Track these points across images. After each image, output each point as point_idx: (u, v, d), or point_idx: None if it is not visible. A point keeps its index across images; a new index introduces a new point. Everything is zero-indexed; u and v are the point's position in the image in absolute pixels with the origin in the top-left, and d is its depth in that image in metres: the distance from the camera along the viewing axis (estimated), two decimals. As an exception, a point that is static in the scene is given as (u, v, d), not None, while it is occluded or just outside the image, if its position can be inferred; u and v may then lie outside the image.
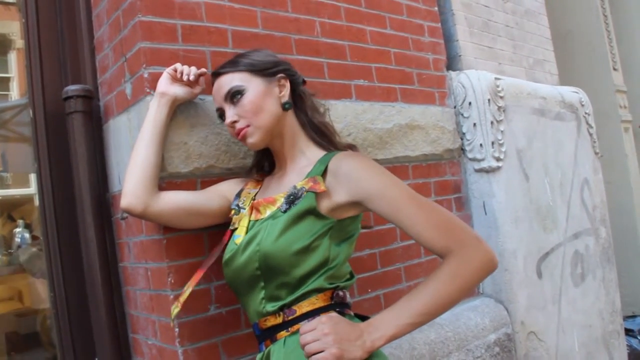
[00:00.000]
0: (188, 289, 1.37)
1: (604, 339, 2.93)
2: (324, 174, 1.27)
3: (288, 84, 1.38)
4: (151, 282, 1.57)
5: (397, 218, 1.19)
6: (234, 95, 1.32)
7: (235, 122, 1.33)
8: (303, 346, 1.12)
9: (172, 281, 1.47)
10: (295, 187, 1.27)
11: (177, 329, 1.46)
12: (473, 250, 1.15)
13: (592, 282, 2.92)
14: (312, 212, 1.23)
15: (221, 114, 1.39)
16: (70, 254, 1.81)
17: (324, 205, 1.24)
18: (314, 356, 1.10)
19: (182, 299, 1.36)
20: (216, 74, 1.39)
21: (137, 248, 1.64)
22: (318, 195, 1.24)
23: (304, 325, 1.16)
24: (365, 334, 1.12)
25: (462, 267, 1.13)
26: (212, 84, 1.41)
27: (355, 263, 1.86)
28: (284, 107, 1.36)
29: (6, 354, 3.49)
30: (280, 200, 1.28)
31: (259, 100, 1.32)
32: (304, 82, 1.46)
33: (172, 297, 1.46)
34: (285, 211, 1.24)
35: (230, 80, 1.34)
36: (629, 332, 3.50)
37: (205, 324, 1.51)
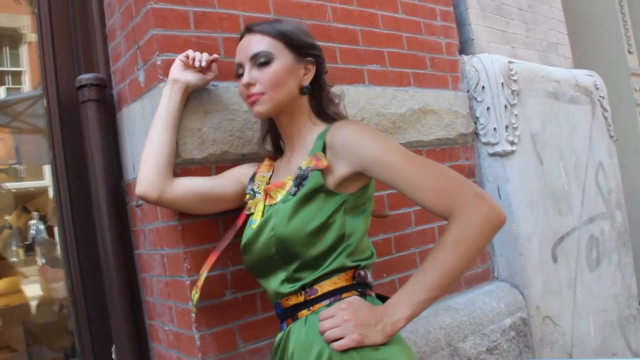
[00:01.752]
0: (204, 273, 1.38)
1: (620, 324, 2.92)
2: (324, 149, 1.25)
3: (313, 70, 1.35)
4: (167, 268, 1.58)
5: (396, 183, 1.16)
6: (260, 59, 1.29)
7: (251, 85, 1.30)
8: (322, 333, 1.12)
9: (189, 267, 1.48)
10: (300, 168, 1.26)
11: (193, 314, 1.47)
12: (473, 211, 1.09)
13: (607, 267, 2.90)
14: (321, 190, 1.21)
15: (239, 69, 1.34)
16: (86, 242, 1.83)
17: (331, 181, 1.22)
18: (334, 343, 1.10)
19: (200, 283, 1.37)
20: (249, 30, 1.33)
21: (153, 235, 1.65)
22: (323, 171, 1.22)
23: (323, 312, 1.16)
24: (385, 317, 1.11)
25: (463, 231, 1.09)
26: (240, 38, 1.36)
27: (369, 248, 1.86)
28: (302, 91, 1.33)
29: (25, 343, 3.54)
30: (289, 183, 1.27)
31: (282, 74, 1.29)
32: (326, 72, 1.42)
33: (188, 282, 1.47)
34: (294, 194, 1.23)
35: (261, 42, 1.29)
36: (645, 316, 3.47)
37: (221, 309, 1.52)
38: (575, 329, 2.56)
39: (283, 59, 1.29)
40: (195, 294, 1.38)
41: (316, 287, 1.22)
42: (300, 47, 1.32)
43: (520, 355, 2.21)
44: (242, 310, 1.55)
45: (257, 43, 1.30)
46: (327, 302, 1.21)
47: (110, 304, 1.78)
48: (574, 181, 2.76)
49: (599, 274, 2.82)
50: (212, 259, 1.40)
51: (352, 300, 1.17)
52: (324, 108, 1.38)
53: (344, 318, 1.11)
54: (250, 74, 1.30)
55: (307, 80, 1.34)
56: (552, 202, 2.57)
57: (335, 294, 1.21)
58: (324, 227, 1.20)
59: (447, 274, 1.10)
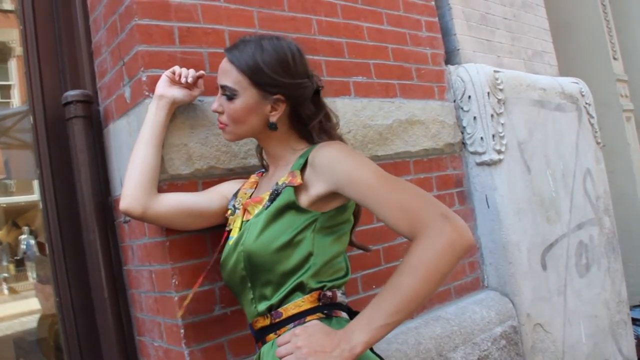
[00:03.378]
0: (192, 292, 1.40)
1: (611, 329, 2.93)
2: (304, 167, 1.25)
3: (283, 107, 1.30)
4: (155, 284, 1.58)
5: (366, 203, 1.14)
6: (226, 92, 1.29)
7: (218, 112, 1.33)
8: (280, 359, 1.10)
9: (177, 283, 1.47)
10: (277, 183, 1.26)
11: (182, 330, 1.47)
12: (436, 232, 1.04)
13: (597, 273, 2.92)
14: (292, 207, 1.21)
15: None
16: (75, 259, 1.82)
17: (304, 199, 1.22)
18: None
19: (185, 303, 1.40)
20: (227, 52, 1.31)
21: (141, 251, 1.65)
22: (297, 188, 1.22)
23: (280, 338, 1.14)
24: (343, 342, 1.06)
25: (424, 253, 1.04)
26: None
27: (359, 259, 1.86)
28: (269, 127, 1.31)
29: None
30: (266, 199, 1.27)
31: (242, 113, 1.28)
32: (320, 89, 1.36)
33: (176, 298, 1.47)
34: (267, 208, 1.23)
35: (228, 75, 1.28)
36: (636, 321, 3.48)
37: (210, 324, 1.52)
38: (567, 336, 2.57)
39: (246, 96, 1.27)
40: (179, 313, 1.41)
41: (281, 310, 1.21)
42: (267, 84, 1.27)
43: (512, 364, 2.21)
44: (231, 325, 1.55)
45: (226, 75, 1.29)
46: (291, 325, 1.19)
47: (100, 321, 1.77)
48: (562, 188, 2.77)
49: (588, 280, 2.83)
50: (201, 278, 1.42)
51: (308, 325, 1.14)
52: (314, 139, 1.33)
53: (297, 344, 1.07)
54: (219, 101, 1.32)
55: (274, 117, 1.29)
56: (541, 209, 2.58)
57: (299, 317, 1.20)
58: (291, 244, 1.19)
59: (407, 298, 1.04)
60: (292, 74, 1.29)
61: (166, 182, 1.50)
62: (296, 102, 1.31)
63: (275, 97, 1.28)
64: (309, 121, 1.33)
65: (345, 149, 1.25)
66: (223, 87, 1.30)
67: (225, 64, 1.30)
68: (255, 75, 1.26)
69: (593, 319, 2.79)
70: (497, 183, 2.40)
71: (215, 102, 1.33)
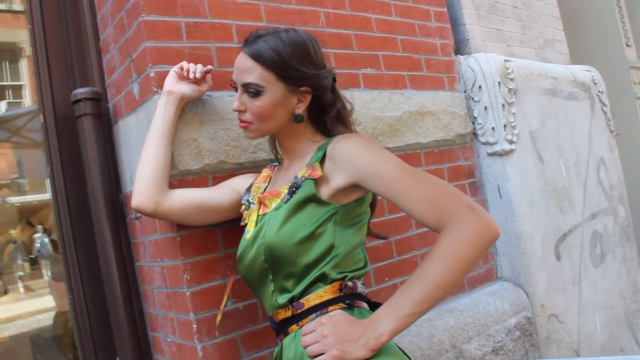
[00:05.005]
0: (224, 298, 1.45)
1: (627, 319, 2.90)
2: (323, 159, 1.25)
3: (309, 98, 1.30)
4: (167, 280, 1.58)
5: (390, 195, 1.15)
6: (250, 90, 1.26)
7: (241, 110, 1.30)
8: (305, 348, 1.11)
9: (188, 278, 1.48)
10: (296, 177, 1.26)
11: (195, 325, 1.47)
12: (464, 223, 1.06)
13: (612, 262, 2.89)
14: (313, 199, 1.21)
15: (234, 84, 1.32)
16: (87, 256, 1.83)
17: (325, 191, 1.22)
18: (315, 359, 1.09)
19: (221, 307, 1.44)
20: (245, 47, 1.28)
21: (152, 247, 1.65)
22: (317, 181, 1.22)
23: (305, 327, 1.15)
24: (369, 331, 1.08)
25: (453, 243, 1.06)
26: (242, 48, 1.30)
27: (371, 252, 1.85)
28: (295, 119, 1.31)
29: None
30: (284, 192, 1.27)
31: (270, 109, 1.27)
32: (334, 81, 1.36)
33: (188, 294, 1.47)
34: (287, 202, 1.23)
35: (253, 72, 1.25)
36: (652, 311, 3.45)
37: (223, 319, 1.51)
38: (582, 326, 2.55)
39: (273, 91, 1.26)
40: (218, 317, 1.43)
41: (303, 301, 1.21)
42: (295, 78, 1.26)
43: (527, 355, 2.20)
44: (243, 319, 1.55)
45: (249, 72, 1.26)
46: (313, 315, 1.20)
47: (113, 317, 1.78)
48: (575, 178, 2.75)
49: (603, 270, 2.81)
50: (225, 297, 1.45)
51: (333, 314, 1.15)
52: (330, 129, 1.34)
53: (323, 333, 1.09)
54: (240, 99, 1.29)
55: (300, 108, 1.29)
56: (554, 199, 2.56)
57: (321, 308, 1.20)
58: (312, 236, 1.19)
59: (435, 287, 1.06)
60: (315, 65, 1.29)
61: (176, 178, 1.50)
62: (320, 92, 1.31)
63: (302, 89, 1.28)
64: (330, 110, 1.33)
65: (365, 141, 1.25)
66: (246, 85, 1.26)
67: (245, 61, 1.26)
68: (283, 70, 1.25)
69: (608, 309, 2.77)
70: (509, 173, 2.37)
71: (236, 101, 1.30)
